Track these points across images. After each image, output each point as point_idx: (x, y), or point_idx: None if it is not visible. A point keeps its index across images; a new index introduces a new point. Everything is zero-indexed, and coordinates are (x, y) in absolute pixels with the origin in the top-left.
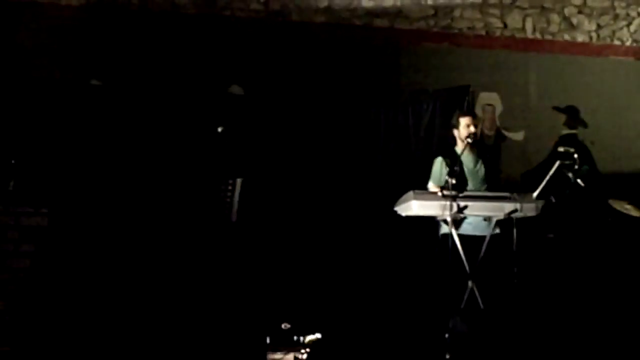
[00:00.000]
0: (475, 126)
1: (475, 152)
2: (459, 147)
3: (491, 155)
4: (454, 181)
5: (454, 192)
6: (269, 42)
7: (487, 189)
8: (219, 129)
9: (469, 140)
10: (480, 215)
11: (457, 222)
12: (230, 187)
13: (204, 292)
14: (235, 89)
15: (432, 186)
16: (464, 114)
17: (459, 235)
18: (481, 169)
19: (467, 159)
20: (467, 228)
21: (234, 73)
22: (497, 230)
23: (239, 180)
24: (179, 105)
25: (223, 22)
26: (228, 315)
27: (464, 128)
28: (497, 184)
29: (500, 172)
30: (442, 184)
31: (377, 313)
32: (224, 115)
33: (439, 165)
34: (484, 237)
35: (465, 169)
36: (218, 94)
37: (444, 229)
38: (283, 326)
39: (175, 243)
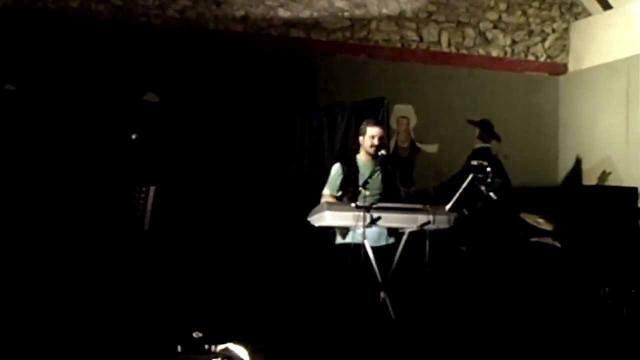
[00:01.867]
0: (381, 138)
1: (375, 163)
2: (361, 155)
3: (395, 168)
4: (367, 192)
5: (367, 203)
6: (185, 50)
7: (383, 201)
8: (133, 136)
9: (370, 152)
10: (393, 227)
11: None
12: (143, 195)
13: (115, 299)
14: (151, 96)
15: (327, 193)
16: (373, 124)
17: (355, 245)
18: (378, 180)
19: (365, 169)
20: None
21: (149, 80)
22: (392, 240)
23: (152, 188)
24: (93, 112)
25: (139, 29)
26: (139, 323)
27: (368, 138)
28: (397, 197)
29: (414, 184)
30: (336, 191)
31: (289, 323)
32: (139, 122)
33: (335, 172)
34: (380, 247)
35: (361, 178)
36: (133, 101)
37: (339, 239)
38: (194, 335)
39: (86, 250)
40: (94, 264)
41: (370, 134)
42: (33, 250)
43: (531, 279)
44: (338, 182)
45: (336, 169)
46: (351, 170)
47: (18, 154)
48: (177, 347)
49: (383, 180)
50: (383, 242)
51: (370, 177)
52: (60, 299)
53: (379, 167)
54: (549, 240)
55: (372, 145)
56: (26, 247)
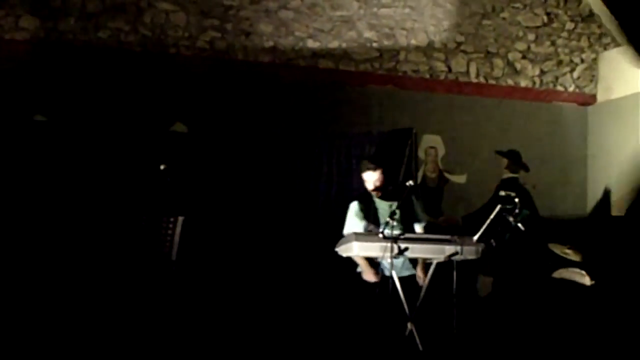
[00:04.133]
0: (378, 181)
1: (387, 198)
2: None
3: (412, 197)
4: (394, 223)
5: (395, 234)
6: (214, 81)
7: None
8: (162, 167)
9: (374, 194)
10: (422, 258)
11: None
12: (171, 226)
13: (143, 330)
14: (179, 127)
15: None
16: (362, 169)
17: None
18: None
19: (381, 204)
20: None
21: (178, 111)
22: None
23: (180, 219)
24: (123, 143)
25: (169, 59)
26: (166, 354)
27: (369, 184)
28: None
29: (442, 214)
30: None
31: (317, 354)
32: (167, 153)
33: (354, 210)
34: (402, 277)
35: (380, 213)
36: (162, 131)
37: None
38: None
39: (116, 280)
40: (122, 294)
41: (365, 179)
42: (63, 280)
43: (559, 309)
44: (359, 218)
45: (354, 206)
46: (369, 206)
47: (48, 183)
48: None
49: (401, 212)
50: (406, 273)
51: (393, 213)
52: (90, 327)
53: (394, 203)
54: (577, 273)
55: (373, 189)
56: (56, 276)
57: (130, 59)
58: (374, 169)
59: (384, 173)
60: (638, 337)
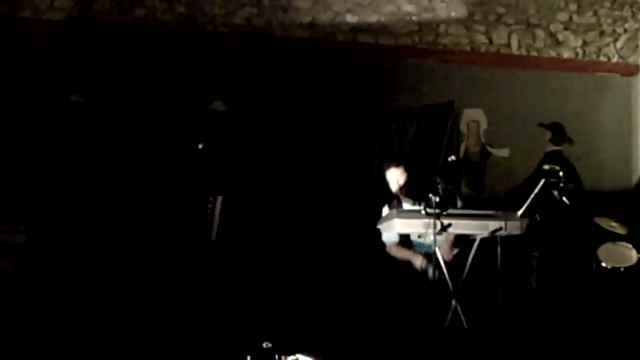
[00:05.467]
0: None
1: (414, 197)
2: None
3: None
4: (437, 199)
5: (437, 210)
6: (252, 58)
7: None
8: (200, 146)
9: (402, 193)
10: (465, 234)
11: None
12: (210, 205)
13: (183, 310)
14: (218, 105)
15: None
16: (387, 166)
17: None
18: None
19: (407, 206)
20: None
21: (216, 89)
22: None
23: (219, 198)
24: (161, 122)
25: (206, 37)
26: (208, 334)
27: (392, 184)
28: None
29: (485, 188)
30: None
31: (360, 333)
32: (206, 131)
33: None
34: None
35: None
36: (200, 110)
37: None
38: (264, 345)
39: (156, 261)
40: (162, 275)
41: (391, 179)
42: (105, 259)
43: (604, 283)
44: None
45: (385, 211)
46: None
47: (86, 165)
48: (246, 358)
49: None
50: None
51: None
52: (131, 306)
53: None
54: (623, 246)
55: (400, 188)
56: (97, 256)
57: (166, 37)
58: (397, 166)
59: (407, 170)
60: None
